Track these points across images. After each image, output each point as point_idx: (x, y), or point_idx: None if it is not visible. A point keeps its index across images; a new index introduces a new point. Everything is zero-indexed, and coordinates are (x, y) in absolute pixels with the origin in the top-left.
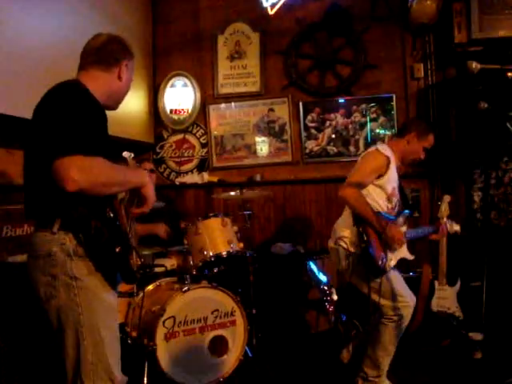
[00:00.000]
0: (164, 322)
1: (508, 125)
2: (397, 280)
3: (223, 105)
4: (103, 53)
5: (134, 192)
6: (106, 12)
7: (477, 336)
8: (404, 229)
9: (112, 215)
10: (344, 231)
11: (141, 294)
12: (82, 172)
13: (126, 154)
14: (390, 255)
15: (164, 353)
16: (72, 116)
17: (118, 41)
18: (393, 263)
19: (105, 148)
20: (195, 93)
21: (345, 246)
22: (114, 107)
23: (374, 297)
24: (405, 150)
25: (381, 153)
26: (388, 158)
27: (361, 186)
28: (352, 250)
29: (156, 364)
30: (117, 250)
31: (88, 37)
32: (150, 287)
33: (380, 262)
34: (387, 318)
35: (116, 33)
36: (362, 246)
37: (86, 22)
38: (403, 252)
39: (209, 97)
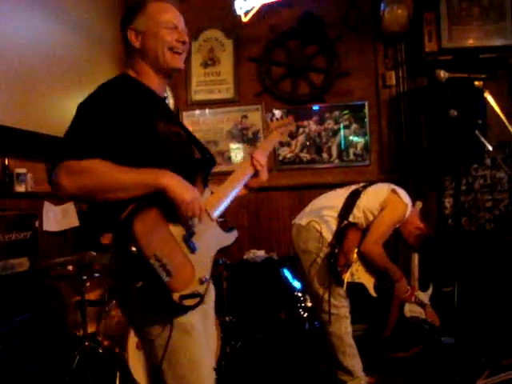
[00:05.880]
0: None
1: (477, 132)
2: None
3: (197, 111)
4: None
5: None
6: (80, 21)
7: (449, 341)
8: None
9: (134, 249)
10: (320, 219)
11: (112, 303)
12: (70, 177)
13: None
14: (355, 270)
15: (136, 362)
16: (85, 116)
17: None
18: (350, 279)
19: (136, 140)
20: (168, 99)
21: (318, 228)
22: (171, 67)
23: (323, 292)
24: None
25: (407, 206)
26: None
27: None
28: (325, 235)
29: (128, 373)
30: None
31: (62, 45)
32: None
33: (339, 268)
34: (325, 313)
35: (90, 40)
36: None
37: (62, 30)
38: (370, 283)
39: (182, 103)
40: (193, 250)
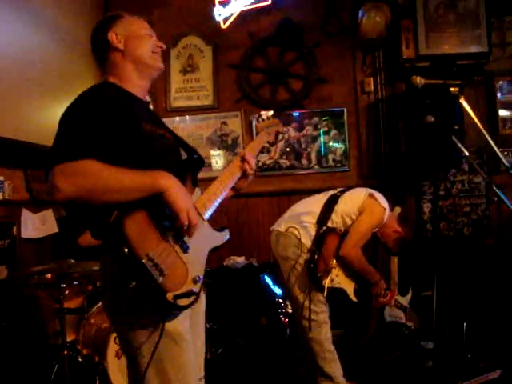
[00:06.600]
0: (115, 339)
1: (453, 138)
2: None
3: (177, 118)
4: (94, 49)
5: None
6: (58, 25)
7: (428, 345)
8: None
9: (126, 250)
10: (298, 225)
11: (91, 311)
12: (66, 179)
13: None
14: (334, 276)
15: (115, 370)
16: (71, 121)
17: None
18: (330, 284)
19: (123, 142)
20: (150, 104)
21: (297, 234)
22: (154, 67)
23: (304, 298)
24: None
25: (385, 210)
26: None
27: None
28: (304, 241)
29: (108, 382)
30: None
31: (39, 50)
32: (101, 304)
33: (319, 274)
34: (305, 319)
35: (68, 45)
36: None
37: (38, 34)
38: (350, 287)
39: (161, 110)
40: (185, 249)
